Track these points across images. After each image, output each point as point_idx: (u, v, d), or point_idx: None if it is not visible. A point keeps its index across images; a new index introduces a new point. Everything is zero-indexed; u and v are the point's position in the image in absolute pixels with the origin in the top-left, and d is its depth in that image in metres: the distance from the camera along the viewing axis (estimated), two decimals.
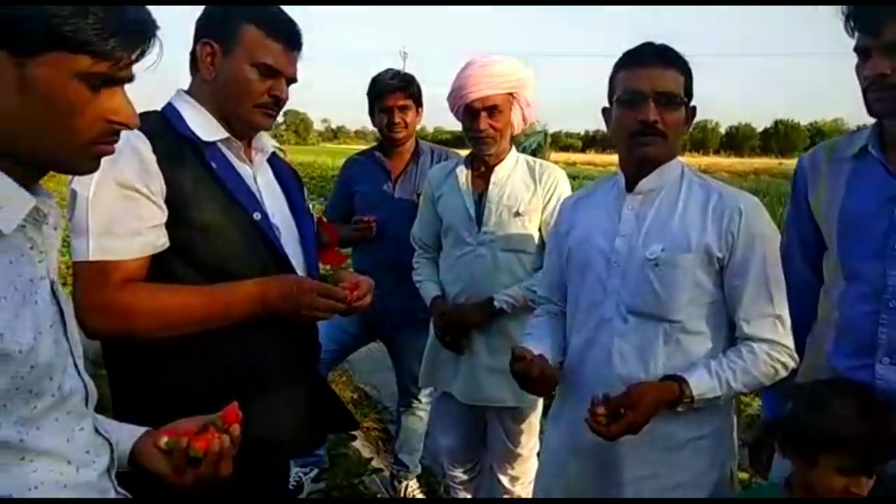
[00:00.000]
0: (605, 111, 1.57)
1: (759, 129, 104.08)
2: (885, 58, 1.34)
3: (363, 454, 3.23)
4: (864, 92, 1.40)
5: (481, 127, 2.11)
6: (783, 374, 1.44)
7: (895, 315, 1.40)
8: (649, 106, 1.43)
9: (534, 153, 6.71)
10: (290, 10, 1.45)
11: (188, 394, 1.25)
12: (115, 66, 0.82)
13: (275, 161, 1.59)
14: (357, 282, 1.48)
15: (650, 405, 1.38)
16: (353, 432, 3.32)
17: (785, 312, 1.45)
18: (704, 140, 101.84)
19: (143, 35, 0.84)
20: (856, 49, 1.41)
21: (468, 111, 2.13)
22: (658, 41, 1.52)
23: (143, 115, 1.41)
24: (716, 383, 1.41)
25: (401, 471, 2.90)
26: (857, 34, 1.40)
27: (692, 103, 1.52)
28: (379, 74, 2.69)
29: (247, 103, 1.40)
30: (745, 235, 1.43)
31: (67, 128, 0.82)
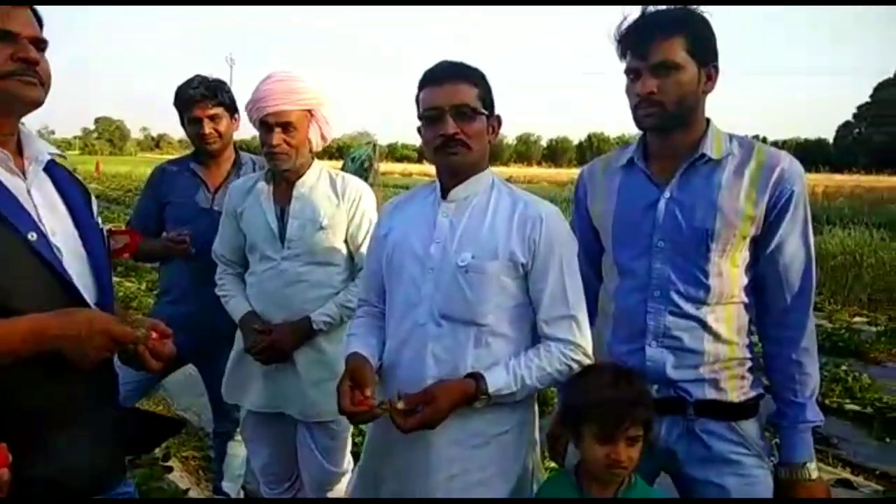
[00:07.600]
0: (419, 129, 1.62)
1: (575, 142, 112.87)
2: (653, 77, 1.51)
3: (180, 486, 3.01)
4: (634, 109, 1.57)
5: (274, 142, 2.08)
6: (578, 370, 1.54)
7: (659, 303, 1.59)
8: (447, 121, 1.51)
9: (362, 164, 6.77)
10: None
11: None
12: None
13: (55, 171, 1.40)
14: (162, 330, 1.34)
15: (446, 402, 1.44)
16: (169, 463, 3.11)
17: (581, 314, 1.56)
18: (528, 153, 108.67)
19: None
20: (626, 71, 1.58)
21: (263, 125, 2.09)
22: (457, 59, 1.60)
23: None
24: (511, 380, 1.49)
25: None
26: (627, 57, 1.56)
27: (496, 113, 1.60)
28: (184, 83, 2.53)
29: None
30: (546, 242, 1.53)
31: None
